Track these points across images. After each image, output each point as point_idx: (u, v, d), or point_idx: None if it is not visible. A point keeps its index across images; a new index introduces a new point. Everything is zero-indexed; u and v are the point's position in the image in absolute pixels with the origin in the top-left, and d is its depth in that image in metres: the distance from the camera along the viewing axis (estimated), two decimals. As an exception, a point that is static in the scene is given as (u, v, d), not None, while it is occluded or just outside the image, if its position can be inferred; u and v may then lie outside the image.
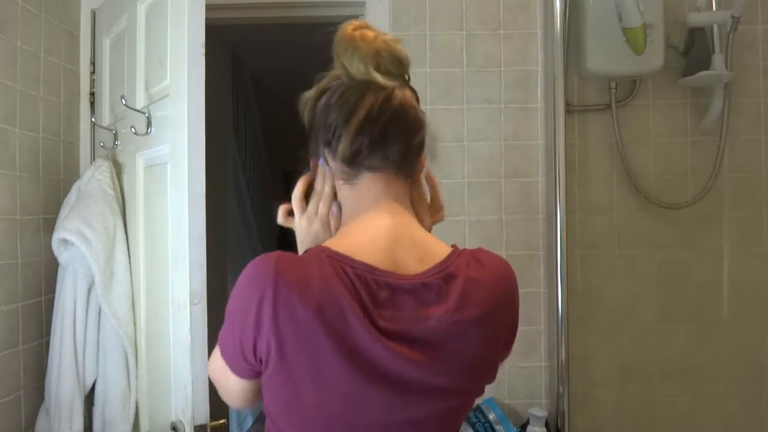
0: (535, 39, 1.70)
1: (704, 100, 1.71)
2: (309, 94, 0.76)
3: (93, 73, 1.65)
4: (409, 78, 0.75)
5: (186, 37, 1.12)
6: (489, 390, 1.67)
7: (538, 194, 1.70)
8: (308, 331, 0.61)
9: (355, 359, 0.62)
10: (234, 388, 0.72)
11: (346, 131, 0.70)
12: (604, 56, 1.65)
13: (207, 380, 1.07)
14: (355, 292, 0.63)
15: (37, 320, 1.43)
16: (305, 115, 0.77)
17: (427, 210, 0.82)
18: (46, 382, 1.38)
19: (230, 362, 0.69)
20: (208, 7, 1.15)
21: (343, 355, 0.61)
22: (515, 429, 1.58)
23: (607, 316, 1.73)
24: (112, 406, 1.34)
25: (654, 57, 1.62)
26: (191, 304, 1.09)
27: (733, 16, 1.54)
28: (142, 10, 1.36)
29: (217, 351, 0.72)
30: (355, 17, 1.74)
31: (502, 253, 1.68)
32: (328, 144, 0.73)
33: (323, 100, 0.74)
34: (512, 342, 0.76)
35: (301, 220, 0.78)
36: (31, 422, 1.39)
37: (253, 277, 0.64)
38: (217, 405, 1.12)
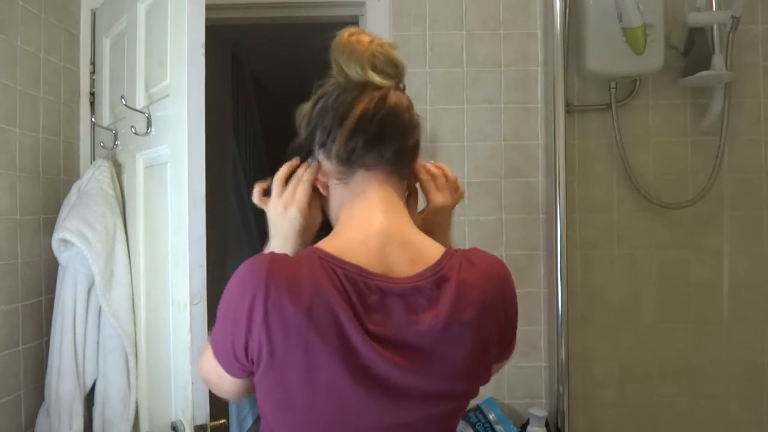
0: (535, 39, 1.70)
1: (704, 100, 1.71)
2: (307, 105, 0.76)
3: (93, 73, 1.65)
4: (404, 87, 0.76)
5: (186, 37, 1.12)
6: (489, 390, 1.67)
7: (538, 194, 1.70)
8: (299, 333, 0.61)
9: (346, 361, 0.62)
10: (227, 387, 0.72)
11: (342, 130, 0.71)
12: (604, 56, 1.65)
13: (207, 380, 1.07)
14: (345, 294, 0.63)
15: (37, 320, 1.43)
16: (302, 124, 0.77)
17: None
18: (46, 382, 1.38)
19: (223, 362, 0.69)
20: (208, 7, 1.15)
21: (335, 357, 0.61)
22: (515, 429, 1.58)
23: (607, 315, 1.73)
24: (112, 406, 1.34)
25: (654, 57, 1.62)
26: (191, 304, 1.09)
27: (733, 16, 1.54)
28: (142, 10, 1.36)
29: (208, 350, 0.72)
30: (355, 17, 1.75)
31: (502, 253, 1.68)
32: (322, 145, 0.74)
33: (320, 104, 0.74)
34: (512, 342, 0.76)
35: (278, 203, 0.77)
36: (31, 422, 1.39)
37: (244, 277, 0.64)
38: (217, 405, 1.12)
